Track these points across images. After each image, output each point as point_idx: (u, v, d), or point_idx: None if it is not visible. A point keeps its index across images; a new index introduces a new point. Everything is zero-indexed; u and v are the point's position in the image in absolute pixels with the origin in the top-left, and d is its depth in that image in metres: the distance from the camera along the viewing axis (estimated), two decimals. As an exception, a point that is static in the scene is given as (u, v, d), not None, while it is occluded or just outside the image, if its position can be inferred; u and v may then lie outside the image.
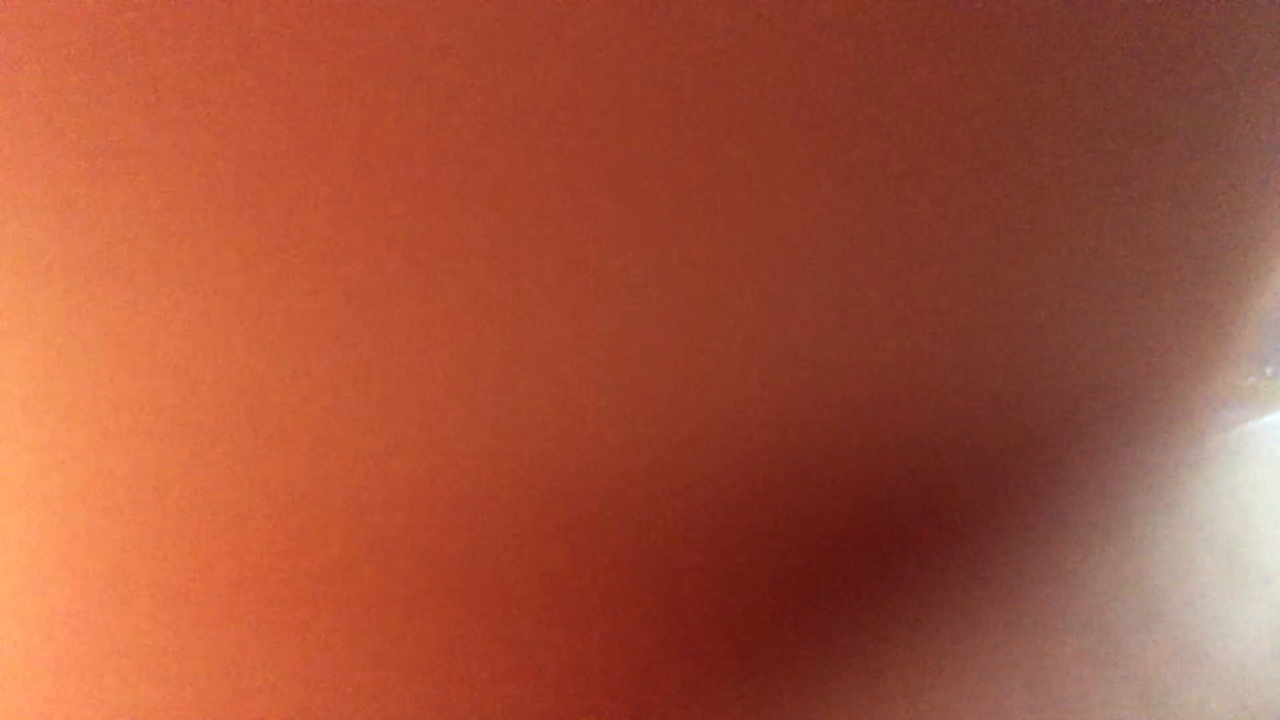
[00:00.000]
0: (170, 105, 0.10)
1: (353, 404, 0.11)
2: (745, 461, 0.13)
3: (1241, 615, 0.15)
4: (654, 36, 0.10)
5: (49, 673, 0.12)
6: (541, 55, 0.10)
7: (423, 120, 0.10)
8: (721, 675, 0.13)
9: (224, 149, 0.10)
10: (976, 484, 0.14)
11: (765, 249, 0.12)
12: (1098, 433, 0.15)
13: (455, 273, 0.11)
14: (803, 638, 0.13)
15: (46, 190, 0.10)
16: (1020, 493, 0.14)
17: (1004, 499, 0.14)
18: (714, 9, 0.10)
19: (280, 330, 0.11)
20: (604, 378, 0.12)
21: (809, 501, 0.13)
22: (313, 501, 0.12)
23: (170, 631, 0.12)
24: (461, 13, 0.10)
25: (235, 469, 0.12)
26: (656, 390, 0.12)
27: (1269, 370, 0.18)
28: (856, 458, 0.13)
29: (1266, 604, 0.15)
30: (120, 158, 0.10)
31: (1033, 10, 0.12)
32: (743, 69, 0.11)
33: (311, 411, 0.11)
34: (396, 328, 0.11)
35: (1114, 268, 0.14)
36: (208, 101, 0.10)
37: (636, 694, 0.13)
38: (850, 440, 0.13)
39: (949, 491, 0.14)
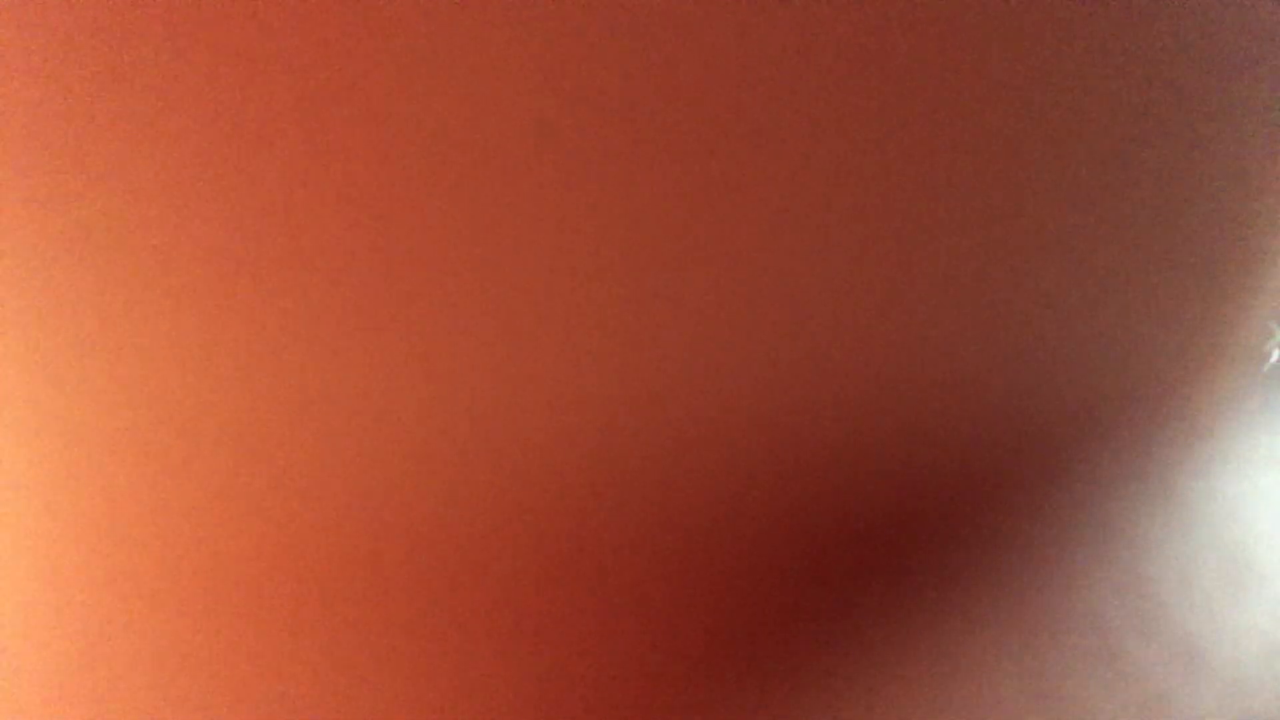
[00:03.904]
0: (170, 107, 0.10)
1: (354, 405, 0.11)
2: (745, 462, 0.13)
3: (1241, 616, 0.15)
4: (652, 38, 0.10)
5: (50, 675, 0.12)
6: (541, 57, 0.10)
7: (421, 123, 0.10)
8: (721, 675, 0.13)
9: (223, 151, 0.10)
10: (976, 485, 0.14)
11: (766, 250, 0.12)
12: (1097, 434, 0.15)
13: (454, 273, 0.11)
14: (801, 637, 0.13)
15: (48, 192, 0.10)
16: (1020, 494, 0.14)
17: (1004, 500, 0.14)
18: (712, 10, 0.10)
19: (281, 331, 0.11)
20: (605, 379, 0.12)
21: (808, 502, 0.13)
22: (314, 502, 0.12)
23: (170, 633, 0.12)
24: (460, 14, 0.10)
25: (236, 471, 0.12)
26: (658, 391, 0.12)
27: (1268, 372, 0.18)
28: (856, 459, 0.13)
29: (1266, 605, 0.15)
30: (120, 160, 0.10)
31: (1030, 13, 0.11)
32: (741, 70, 0.11)
33: (313, 412, 0.11)
34: (398, 330, 0.11)
35: (1114, 271, 0.14)
36: (207, 103, 0.10)
37: (636, 694, 0.13)
38: (850, 441, 0.13)
39: (949, 493, 0.14)
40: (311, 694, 0.12)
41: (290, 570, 0.12)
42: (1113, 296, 0.14)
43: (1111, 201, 0.13)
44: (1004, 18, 0.11)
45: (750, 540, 0.13)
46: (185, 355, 0.11)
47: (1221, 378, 0.16)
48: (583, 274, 0.11)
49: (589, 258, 0.11)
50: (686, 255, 0.11)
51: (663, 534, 0.13)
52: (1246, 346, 0.16)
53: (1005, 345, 0.13)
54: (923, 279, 0.13)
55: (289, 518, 0.12)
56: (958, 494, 0.14)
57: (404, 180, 0.10)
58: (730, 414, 0.12)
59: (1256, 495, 0.16)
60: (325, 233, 0.11)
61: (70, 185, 0.10)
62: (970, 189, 0.12)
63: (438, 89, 0.10)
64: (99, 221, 0.10)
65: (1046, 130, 0.12)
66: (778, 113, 0.11)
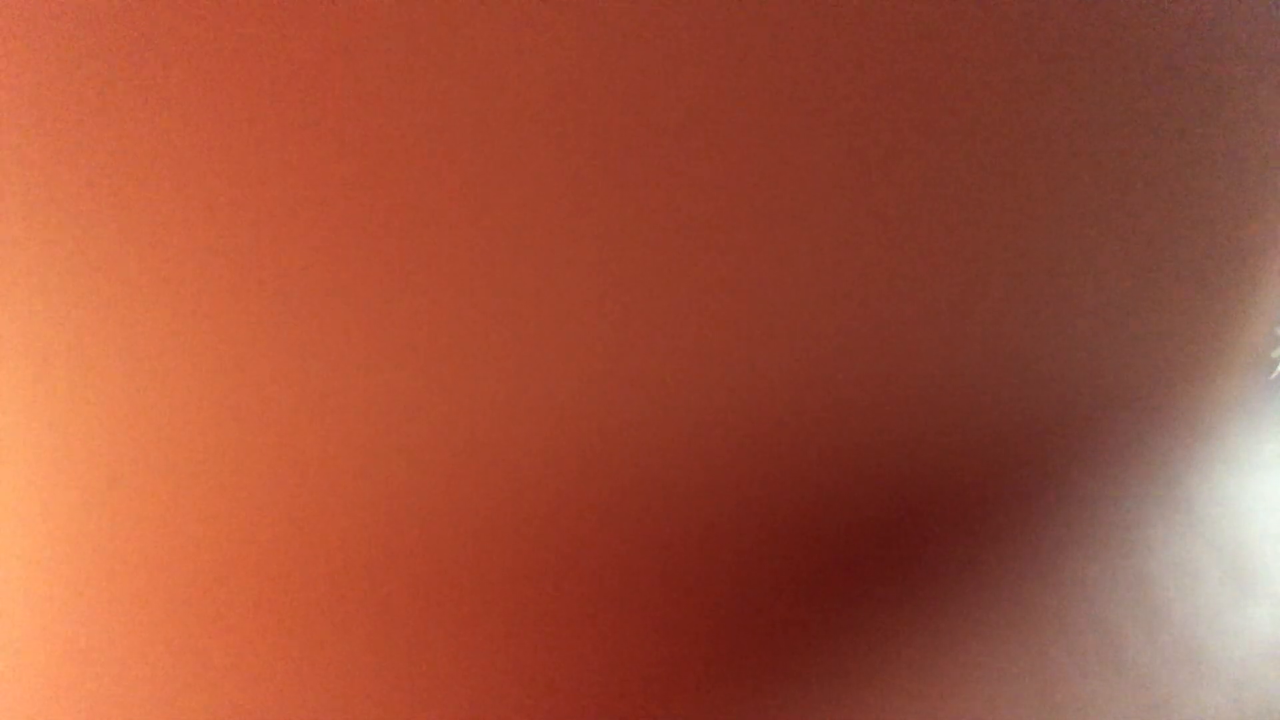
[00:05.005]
0: (170, 111, 0.10)
1: (356, 408, 0.11)
2: (749, 465, 0.13)
3: (1243, 617, 0.15)
4: (654, 41, 0.10)
5: (50, 675, 0.12)
6: (545, 58, 0.10)
7: (424, 129, 0.10)
8: (725, 676, 0.13)
9: (226, 157, 0.10)
10: (979, 487, 0.14)
11: (769, 253, 0.12)
12: (1102, 437, 0.15)
13: (457, 278, 0.11)
14: (805, 639, 0.13)
15: (49, 199, 0.10)
16: (1024, 496, 0.14)
17: (1007, 502, 0.14)
18: (719, 15, 0.10)
19: (283, 335, 0.11)
20: (606, 382, 0.12)
21: (811, 505, 0.13)
22: (315, 505, 0.12)
23: (172, 634, 0.12)
24: (463, 15, 0.10)
25: (238, 474, 0.12)
26: (660, 394, 0.12)
27: (1270, 374, 0.18)
28: (859, 461, 0.13)
29: (1268, 606, 0.15)
30: (123, 166, 0.10)
31: (1033, 16, 0.12)
32: (745, 74, 0.11)
33: (315, 415, 0.11)
34: (401, 337, 0.11)
35: (1117, 273, 0.14)
36: (208, 107, 0.10)
37: (640, 695, 0.13)
38: (853, 444, 0.13)
39: (952, 495, 0.14)
40: (312, 693, 0.12)
41: (292, 570, 0.12)
42: (1118, 301, 0.14)
43: (1115, 206, 0.13)
44: (1006, 24, 0.11)
45: (754, 544, 0.13)
46: (186, 360, 0.11)
47: (1225, 382, 0.16)
48: (584, 280, 0.11)
49: (591, 264, 0.11)
50: (687, 257, 0.11)
51: (667, 534, 0.13)
52: (1250, 351, 0.16)
53: (1010, 348, 0.13)
54: (926, 283, 0.13)
55: (291, 519, 0.12)
56: (962, 496, 0.14)
57: (407, 187, 0.10)
58: (733, 417, 0.12)
59: (1259, 498, 0.16)
60: (328, 236, 0.11)
61: (72, 192, 0.10)
62: (972, 194, 0.12)
63: (441, 94, 0.10)
64: (101, 227, 0.10)
65: (1049, 136, 0.12)
66: (780, 122, 0.11)
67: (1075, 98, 0.12)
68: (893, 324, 0.13)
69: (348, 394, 0.11)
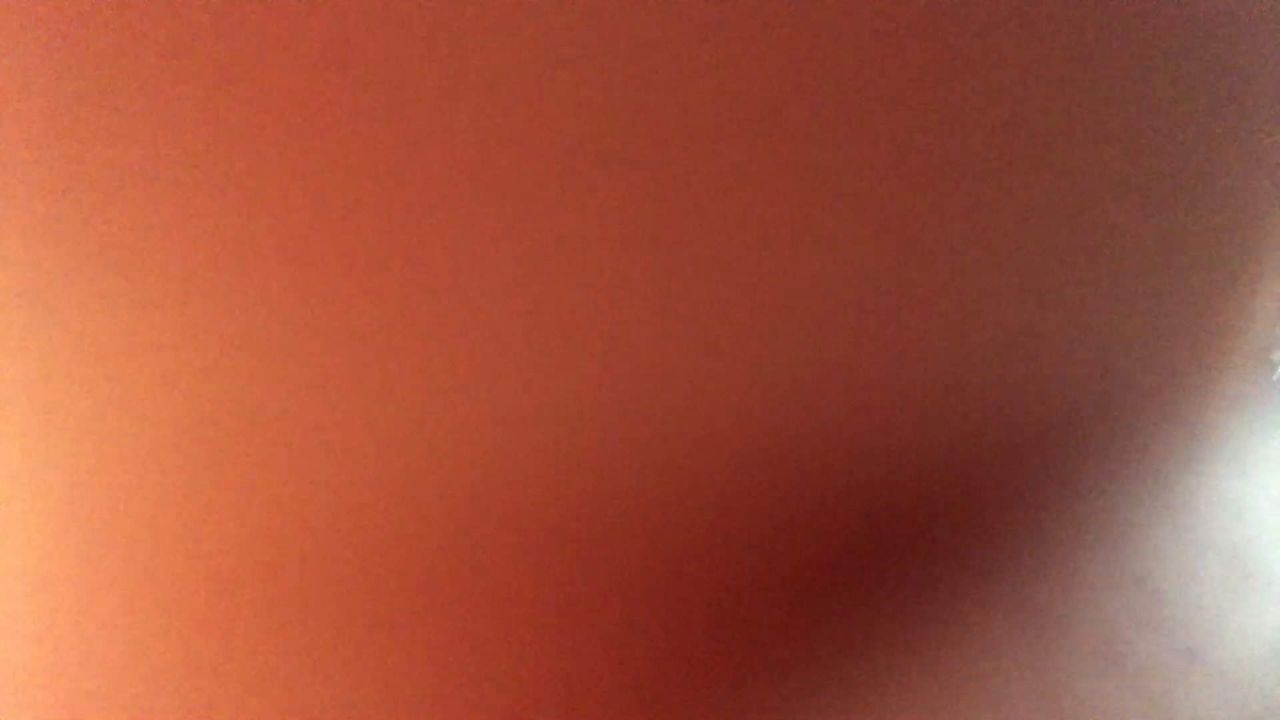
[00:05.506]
0: (171, 111, 0.10)
1: (354, 408, 0.11)
2: (748, 464, 0.13)
3: (1242, 616, 0.15)
4: (650, 41, 0.10)
5: (50, 674, 0.12)
6: (543, 58, 0.10)
7: (425, 132, 0.10)
8: (725, 678, 0.13)
9: (227, 155, 0.10)
10: (979, 486, 0.14)
11: (767, 252, 0.12)
12: (1100, 436, 0.15)
13: (455, 278, 0.11)
14: (804, 639, 0.13)
15: (50, 195, 0.10)
16: (1025, 495, 0.14)
17: (1006, 500, 0.14)
18: (714, 13, 0.10)
19: (284, 334, 0.11)
20: (607, 383, 0.12)
21: (811, 504, 0.13)
22: (314, 504, 0.12)
23: (172, 633, 0.12)
24: (463, 16, 0.10)
25: (237, 473, 0.12)
26: (658, 396, 0.12)
27: (1270, 373, 0.18)
28: (858, 461, 0.13)
29: (1268, 605, 0.15)
30: (124, 164, 0.10)
31: (1034, 12, 0.12)
32: (742, 73, 0.11)
33: (313, 415, 0.11)
34: (406, 335, 0.11)
35: (1116, 271, 0.14)
36: (209, 107, 0.10)
37: (642, 695, 0.13)
38: (852, 443, 0.13)
39: (951, 493, 0.14)
40: (313, 692, 0.12)
41: (295, 570, 0.12)
42: (1118, 302, 0.14)
43: (1116, 207, 0.13)
44: (1013, 19, 0.11)
45: (755, 542, 0.13)
46: (187, 358, 0.11)
47: (1226, 380, 0.16)
48: (591, 281, 0.11)
49: (599, 266, 0.11)
50: (686, 260, 0.11)
51: (669, 535, 0.13)
52: (1251, 349, 0.16)
53: (1010, 349, 0.13)
54: (927, 283, 0.13)
55: (294, 519, 0.12)
56: (962, 495, 0.14)
57: (407, 190, 0.10)
58: (734, 419, 0.12)
59: (1259, 496, 0.16)
60: (328, 235, 0.11)
61: (73, 188, 0.10)
62: (973, 194, 0.12)
63: (441, 99, 0.10)
64: (102, 225, 0.10)
65: (1049, 136, 0.12)
66: (780, 124, 0.11)
67: (1080, 98, 0.12)
68: (893, 323, 0.13)
69: (354, 392, 0.11)
